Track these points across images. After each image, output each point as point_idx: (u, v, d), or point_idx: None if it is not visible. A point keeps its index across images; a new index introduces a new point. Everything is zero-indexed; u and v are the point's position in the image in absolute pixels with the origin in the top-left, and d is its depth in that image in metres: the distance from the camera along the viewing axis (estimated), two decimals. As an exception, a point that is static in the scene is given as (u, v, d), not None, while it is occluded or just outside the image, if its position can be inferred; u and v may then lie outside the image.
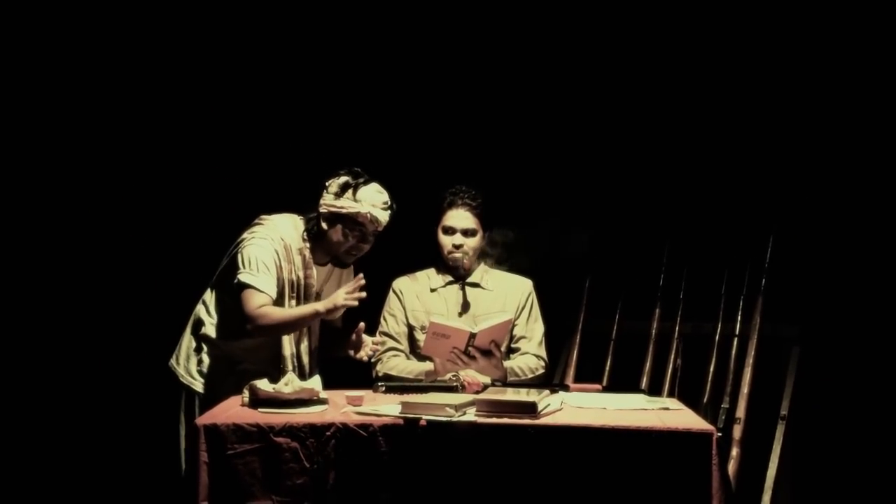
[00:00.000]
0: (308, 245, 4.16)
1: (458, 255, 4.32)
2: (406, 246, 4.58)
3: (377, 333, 4.37)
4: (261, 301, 3.96)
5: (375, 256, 4.33)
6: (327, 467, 3.34)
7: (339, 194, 4.07)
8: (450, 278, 4.41)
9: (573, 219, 5.36)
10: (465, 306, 4.35)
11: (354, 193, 4.06)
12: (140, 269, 5.46)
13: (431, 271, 4.45)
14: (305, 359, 4.24)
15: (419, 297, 4.40)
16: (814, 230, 5.13)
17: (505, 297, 4.38)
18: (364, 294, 3.91)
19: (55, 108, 5.42)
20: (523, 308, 4.38)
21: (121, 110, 5.45)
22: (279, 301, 4.08)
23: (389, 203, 4.11)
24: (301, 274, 4.14)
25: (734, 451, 4.65)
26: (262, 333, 4.03)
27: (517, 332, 4.37)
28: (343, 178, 4.09)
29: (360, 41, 5.45)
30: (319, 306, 3.98)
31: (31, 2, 5.31)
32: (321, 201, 4.11)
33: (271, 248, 4.05)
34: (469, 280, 4.40)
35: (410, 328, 4.38)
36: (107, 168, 5.46)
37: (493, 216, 4.38)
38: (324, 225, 4.11)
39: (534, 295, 4.43)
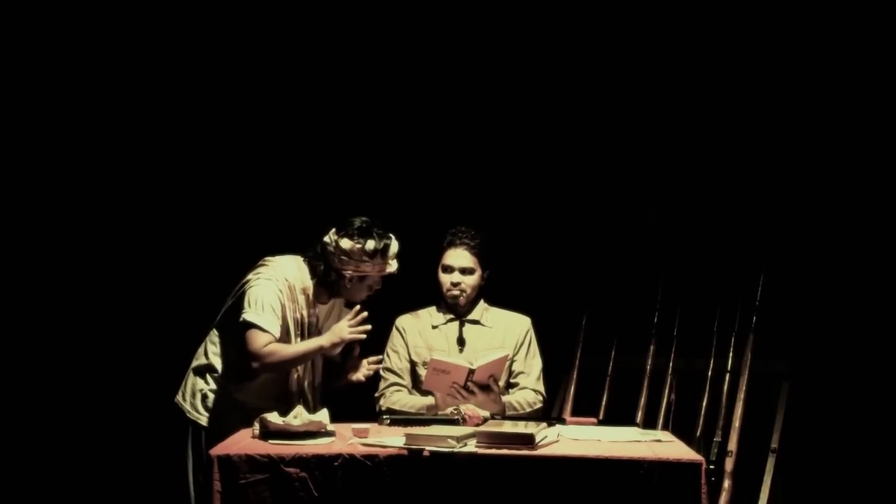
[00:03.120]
0: (311, 284, 4.25)
1: (455, 292, 4.39)
2: (409, 284, 4.59)
3: (381, 370, 4.43)
4: (265, 340, 4.03)
5: (379, 295, 4.37)
6: (335, 496, 3.41)
7: (351, 254, 4.12)
8: (451, 315, 4.47)
9: (572, 259, 5.44)
10: (465, 343, 4.43)
11: (366, 251, 4.11)
12: (147, 307, 5.50)
13: (433, 309, 4.53)
14: (309, 394, 4.32)
15: (421, 333, 4.47)
16: (803, 269, 5.20)
17: (504, 334, 4.44)
18: (369, 327, 3.99)
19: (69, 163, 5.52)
20: (522, 344, 4.45)
21: (128, 156, 5.53)
22: (285, 340, 4.15)
23: (398, 251, 4.21)
24: (305, 313, 4.23)
25: (726, 483, 4.69)
26: (268, 371, 4.11)
27: (516, 367, 4.43)
28: (355, 229, 4.13)
29: (369, 83, 5.52)
30: (324, 341, 4.07)
31: (36, 4, 5.37)
32: (329, 248, 4.16)
33: (276, 289, 4.13)
34: (469, 317, 4.46)
35: (413, 364, 4.45)
36: (120, 207, 5.52)
37: (493, 255, 4.45)
38: (333, 275, 4.19)
39: (532, 332, 4.49)
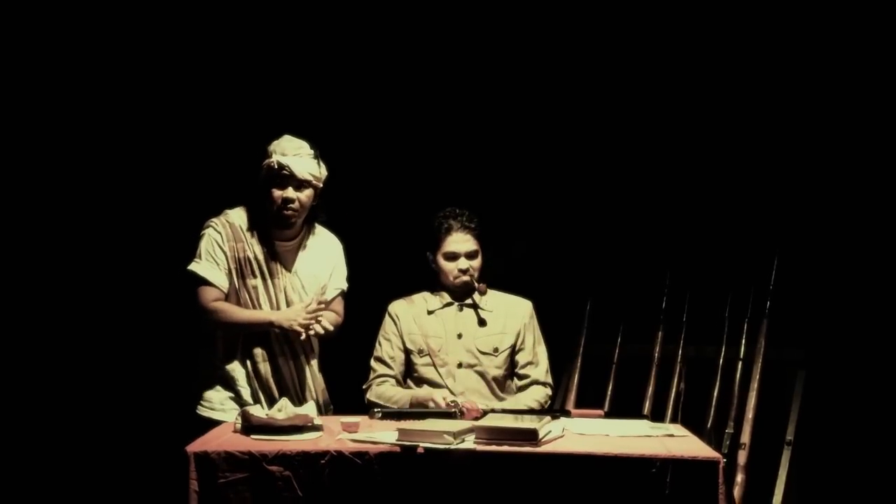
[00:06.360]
0: (262, 222, 4.18)
1: (465, 278, 4.29)
2: (401, 268, 4.61)
3: (372, 359, 4.34)
4: (213, 295, 4.09)
5: (368, 279, 4.35)
6: (321, 497, 3.29)
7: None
8: (447, 300, 4.36)
9: (576, 241, 5.37)
10: (465, 328, 4.29)
11: (267, 151, 4.14)
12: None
13: (427, 293, 4.41)
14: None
15: (416, 320, 4.35)
16: (818, 253, 5.13)
17: (505, 318, 4.33)
18: (322, 331, 4.00)
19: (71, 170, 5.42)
20: (526, 330, 4.33)
21: (150, 167, 5.43)
22: (243, 281, 4.12)
23: (304, 150, 4.12)
24: (258, 249, 4.15)
25: (739, 478, 4.62)
26: (217, 327, 4.13)
27: (522, 357, 4.31)
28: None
29: (355, 67, 5.44)
30: (274, 317, 4.06)
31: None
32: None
33: (213, 233, 4.14)
34: (468, 301, 4.35)
35: (407, 352, 4.32)
36: (131, 221, 5.43)
37: (492, 237, 4.39)
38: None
39: (534, 316, 4.39)
